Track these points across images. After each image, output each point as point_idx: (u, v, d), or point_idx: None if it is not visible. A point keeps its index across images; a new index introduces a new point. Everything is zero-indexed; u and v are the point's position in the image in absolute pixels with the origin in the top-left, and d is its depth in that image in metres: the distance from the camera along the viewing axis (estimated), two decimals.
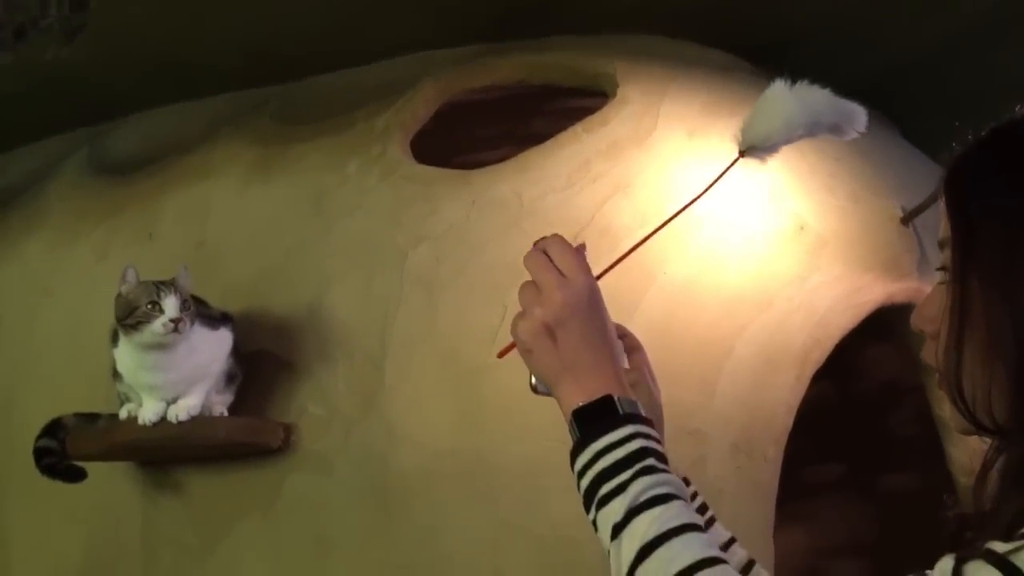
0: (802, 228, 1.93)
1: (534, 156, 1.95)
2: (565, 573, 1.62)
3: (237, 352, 1.78)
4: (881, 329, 2.06)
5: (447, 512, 1.68)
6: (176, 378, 1.67)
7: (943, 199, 0.75)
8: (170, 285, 1.63)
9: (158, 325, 1.59)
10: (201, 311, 1.71)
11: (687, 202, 0.98)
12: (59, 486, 1.74)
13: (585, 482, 0.75)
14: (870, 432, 2.63)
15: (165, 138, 2.28)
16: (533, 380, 0.89)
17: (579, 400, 0.78)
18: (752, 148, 0.96)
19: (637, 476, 0.73)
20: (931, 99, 2.46)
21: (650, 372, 1.01)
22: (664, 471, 0.75)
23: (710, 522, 0.98)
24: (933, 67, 2.36)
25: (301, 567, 1.72)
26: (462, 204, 1.89)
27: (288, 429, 1.78)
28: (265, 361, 1.86)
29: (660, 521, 0.70)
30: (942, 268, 0.75)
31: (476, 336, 1.73)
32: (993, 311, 0.68)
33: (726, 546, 0.98)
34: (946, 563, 0.62)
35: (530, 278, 0.83)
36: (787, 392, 1.79)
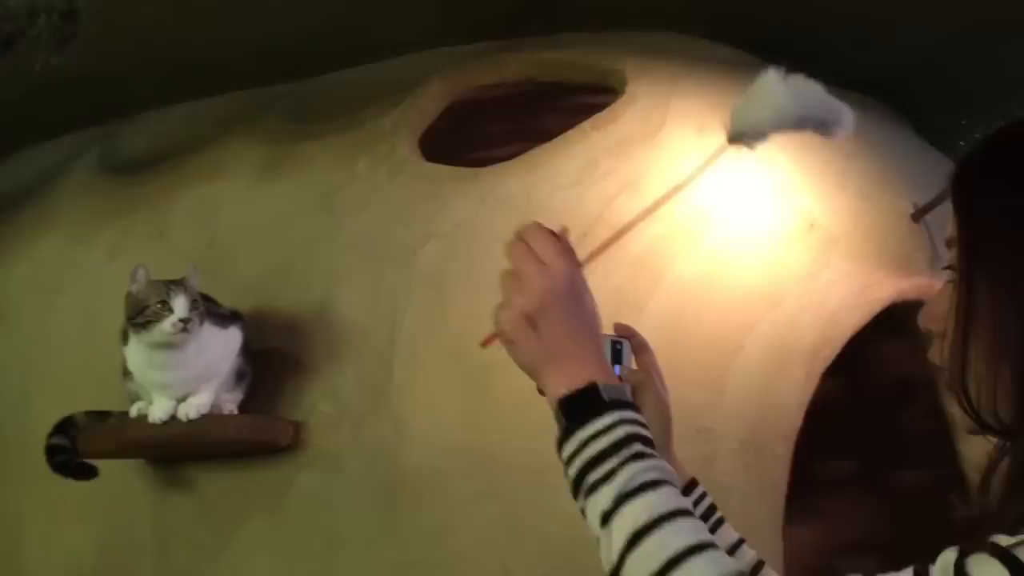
0: (812, 225, 1.92)
1: (543, 154, 1.94)
2: (574, 570, 1.61)
3: (246, 350, 1.79)
4: (895, 325, 2.05)
5: (456, 509, 1.68)
6: (186, 376, 1.68)
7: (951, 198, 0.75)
8: (180, 284, 1.64)
9: (167, 324, 1.60)
10: (210, 309, 1.72)
11: (672, 189, 0.97)
12: (71, 483, 1.75)
13: (573, 470, 0.75)
14: (884, 429, 2.62)
15: (175, 137, 2.29)
16: None
17: (563, 388, 0.78)
18: (741, 136, 0.95)
19: (625, 463, 0.72)
20: (944, 94, 2.44)
21: (658, 373, 1.00)
22: (652, 456, 0.74)
23: (719, 523, 0.98)
24: (945, 62, 2.34)
25: (311, 564, 1.73)
26: (471, 202, 1.89)
27: (297, 427, 1.78)
28: (274, 359, 1.86)
29: (650, 508, 0.70)
30: (949, 267, 0.75)
31: (485, 333, 1.73)
32: (999, 311, 0.67)
33: (735, 547, 0.97)
34: (949, 555, 0.62)
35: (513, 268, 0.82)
36: (797, 390, 1.78)
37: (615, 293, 1.72)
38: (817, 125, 0.95)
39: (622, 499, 0.71)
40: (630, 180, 1.88)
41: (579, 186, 1.88)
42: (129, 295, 1.64)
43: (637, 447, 0.74)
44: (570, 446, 0.76)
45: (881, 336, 2.06)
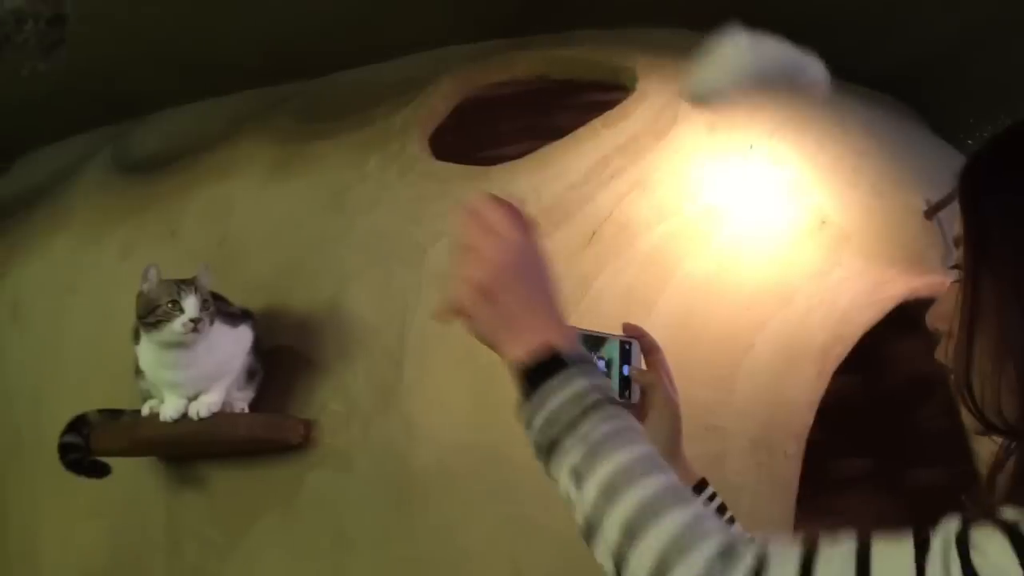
0: (824, 222, 1.91)
1: (553, 152, 1.94)
2: (583, 568, 1.61)
3: (257, 349, 1.79)
4: (909, 322, 2.04)
5: (465, 507, 1.68)
6: (196, 375, 1.68)
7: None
8: (191, 284, 1.64)
9: (178, 324, 1.61)
10: (221, 308, 1.72)
11: None
12: (84, 481, 1.76)
13: (534, 433, 0.75)
14: (899, 427, 2.60)
15: (187, 137, 2.30)
16: None
17: (523, 356, 0.77)
18: (700, 98, 0.93)
19: (587, 415, 0.72)
20: (958, 91, 2.42)
21: (667, 373, 1.00)
22: (613, 403, 0.74)
23: (728, 523, 0.97)
24: (958, 58, 2.32)
25: (321, 562, 1.73)
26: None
27: (308, 425, 1.79)
28: (285, 358, 1.87)
29: (617, 460, 0.70)
30: (956, 266, 0.74)
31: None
32: (1004, 309, 0.67)
33: None
34: (951, 524, 0.60)
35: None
36: (808, 388, 1.77)
37: (625, 292, 1.72)
38: (786, 82, 0.92)
39: (590, 454, 0.71)
40: (640, 178, 1.88)
41: (590, 184, 1.88)
42: (140, 294, 1.65)
43: (595, 396, 0.73)
44: (529, 408, 0.75)
45: (895, 334, 2.04)
